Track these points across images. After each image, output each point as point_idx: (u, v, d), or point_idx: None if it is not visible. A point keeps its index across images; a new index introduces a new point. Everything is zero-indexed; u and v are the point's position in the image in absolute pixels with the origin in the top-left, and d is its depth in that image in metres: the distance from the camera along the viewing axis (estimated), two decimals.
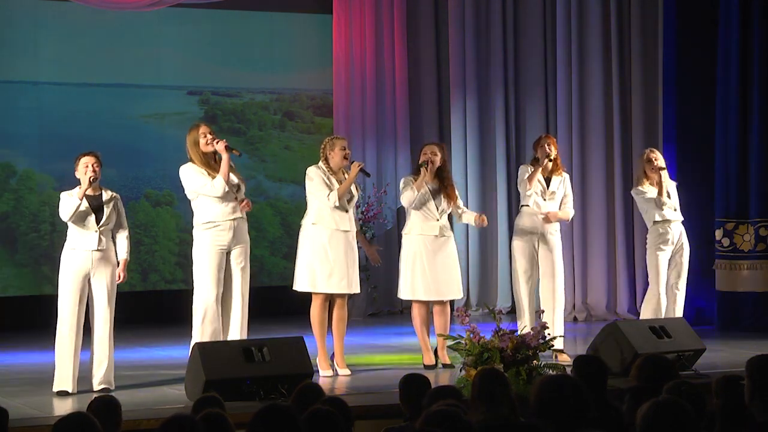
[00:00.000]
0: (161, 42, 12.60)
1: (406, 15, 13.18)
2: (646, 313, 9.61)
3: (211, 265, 8.28)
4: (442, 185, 9.00)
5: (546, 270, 9.26)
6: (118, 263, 8.05)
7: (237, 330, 8.32)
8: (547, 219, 9.25)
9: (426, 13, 13.34)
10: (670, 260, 9.59)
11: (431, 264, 8.89)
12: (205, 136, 8.34)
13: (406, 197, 8.93)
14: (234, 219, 8.37)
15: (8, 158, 12.02)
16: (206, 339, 8.16)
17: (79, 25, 12.19)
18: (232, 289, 8.36)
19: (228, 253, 8.36)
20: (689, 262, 9.72)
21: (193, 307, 8.31)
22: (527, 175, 9.25)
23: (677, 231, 9.59)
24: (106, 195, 8.01)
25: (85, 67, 12.29)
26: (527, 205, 9.30)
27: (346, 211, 8.67)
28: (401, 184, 9.07)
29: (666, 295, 9.56)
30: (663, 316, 9.38)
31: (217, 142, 8.31)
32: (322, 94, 13.27)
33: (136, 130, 12.50)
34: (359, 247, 9.09)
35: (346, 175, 8.72)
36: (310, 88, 13.28)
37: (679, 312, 9.52)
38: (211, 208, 8.31)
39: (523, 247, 9.27)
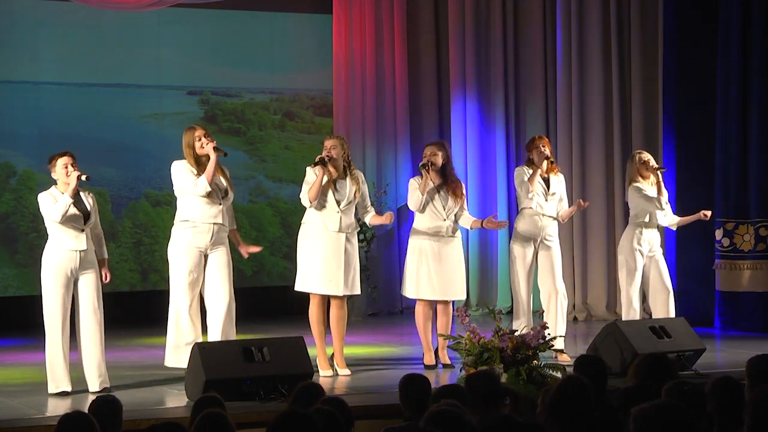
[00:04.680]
0: (161, 42, 12.60)
1: (406, 15, 13.18)
2: (637, 315, 9.52)
3: (188, 266, 8.26)
4: (447, 184, 8.98)
5: (547, 270, 9.26)
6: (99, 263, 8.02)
7: (219, 332, 8.27)
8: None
9: (426, 13, 13.34)
10: (644, 265, 9.51)
11: (438, 264, 8.87)
12: (200, 140, 8.33)
13: (413, 201, 8.87)
14: (214, 223, 8.33)
15: (8, 158, 12.02)
16: (180, 340, 8.18)
17: (79, 25, 12.19)
18: (214, 292, 8.32)
19: (206, 257, 8.35)
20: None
21: (170, 309, 8.31)
22: (527, 177, 9.23)
23: (656, 236, 9.55)
24: (85, 194, 7.97)
25: (85, 67, 12.29)
26: (530, 208, 9.27)
27: (336, 212, 8.61)
28: (410, 187, 8.99)
29: (653, 302, 9.51)
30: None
31: (207, 144, 8.31)
32: (322, 94, 13.28)
33: (136, 130, 12.50)
34: (361, 246, 9.04)
35: (349, 174, 8.71)
36: (310, 88, 13.28)
37: (672, 313, 9.47)
38: (193, 208, 8.31)
39: (524, 249, 9.23)
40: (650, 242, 9.46)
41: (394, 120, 13.13)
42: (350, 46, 13.01)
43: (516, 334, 7.99)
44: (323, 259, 8.56)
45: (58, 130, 12.02)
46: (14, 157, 12.04)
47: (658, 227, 9.55)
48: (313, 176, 8.59)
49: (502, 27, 13.09)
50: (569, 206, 9.49)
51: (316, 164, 8.55)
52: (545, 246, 9.26)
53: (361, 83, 13.02)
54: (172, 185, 8.51)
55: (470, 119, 13.13)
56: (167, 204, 12.34)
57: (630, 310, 9.39)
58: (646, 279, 9.46)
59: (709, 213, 9.70)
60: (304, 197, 8.54)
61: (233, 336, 8.31)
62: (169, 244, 8.42)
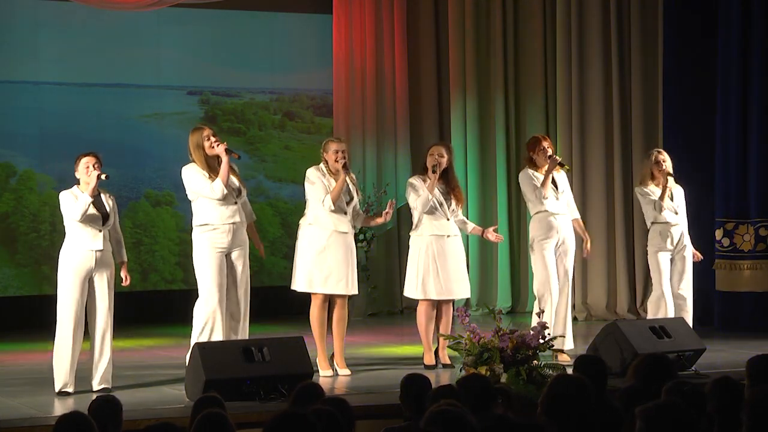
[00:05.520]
0: (161, 42, 12.61)
1: (406, 15, 13.19)
2: (651, 314, 9.55)
3: (212, 269, 8.24)
4: (449, 186, 8.99)
5: (561, 272, 9.24)
6: (116, 266, 8.05)
7: (242, 333, 8.31)
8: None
9: (426, 13, 13.35)
10: (671, 262, 9.55)
11: (443, 263, 8.87)
12: (209, 139, 8.32)
13: (421, 201, 8.86)
14: (233, 222, 8.33)
15: (8, 158, 12.03)
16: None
17: (79, 25, 12.20)
18: (234, 292, 8.33)
19: (227, 256, 8.35)
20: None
21: (195, 310, 8.29)
22: (539, 182, 9.17)
23: (677, 233, 9.54)
24: (106, 196, 8.03)
25: (85, 67, 12.30)
26: (544, 211, 9.21)
27: (345, 213, 8.64)
28: (410, 186, 8.97)
29: (672, 302, 9.51)
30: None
31: (218, 145, 8.31)
32: (322, 94, 13.28)
33: (136, 130, 12.51)
34: (361, 246, 9.06)
35: (347, 176, 8.72)
36: (310, 88, 13.29)
37: (689, 318, 9.46)
38: (209, 210, 8.30)
39: (550, 251, 9.17)
40: (674, 238, 9.47)
41: (394, 120, 13.13)
42: (350, 46, 13.01)
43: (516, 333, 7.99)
44: (334, 260, 8.57)
45: (59, 130, 12.03)
46: (14, 157, 12.05)
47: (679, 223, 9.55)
48: (320, 178, 8.59)
49: (502, 27, 13.09)
50: (572, 198, 9.53)
51: (343, 168, 8.56)
52: (564, 244, 9.23)
53: (361, 83, 13.02)
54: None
55: (470, 119, 13.12)
56: (167, 204, 12.35)
57: (657, 310, 9.37)
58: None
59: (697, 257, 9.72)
60: (327, 201, 8.52)
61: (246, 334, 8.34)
62: (193, 250, 8.40)
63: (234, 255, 8.35)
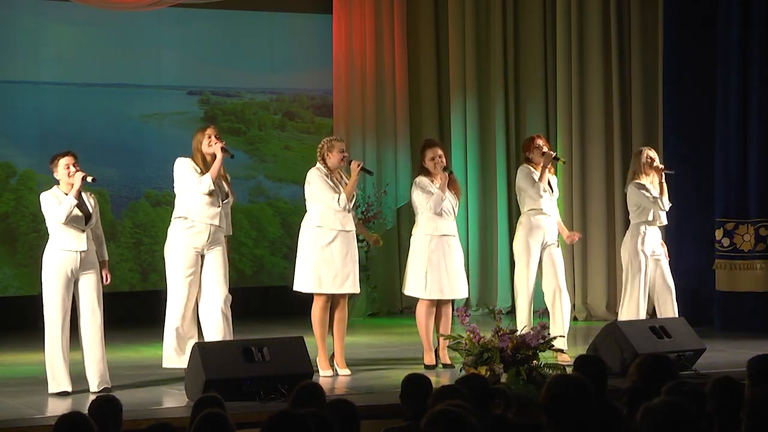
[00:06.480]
0: (161, 42, 12.61)
1: (406, 15, 13.19)
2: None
3: (185, 266, 8.23)
4: (452, 183, 9.02)
5: (551, 270, 9.24)
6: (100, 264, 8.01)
7: (215, 332, 8.25)
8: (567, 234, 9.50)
9: (426, 13, 13.35)
10: (649, 265, 9.50)
11: (449, 263, 8.90)
12: (209, 138, 8.32)
13: (434, 200, 8.84)
14: (211, 224, 8.29)
15: (8, 158, 12.02)
16: (178, 341, 8.18)
17: (79, 25, 12.20)
18: (211, 292, 8.28)
19: (203, 257, 8.32)
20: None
21: (167, 307, 8.29)
22: (537, 177, 9.18)
23: (658, 235, 9.53)
24: (87, 195, 7.97)
25: (85, 67, 12.30)
26: (537, 209, 9.21)
27: (349, 212, 8.66)
28: (418, 187, 8.93)
29: (658, 303, 9.51)
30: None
31: (216, 143, 8.30)
32: (322, 94, 13.28)
33: (136, 130, 12.51)
34: (361, 246, 9.08)
35: (343, 174, 8.73)
36: (310, 88, 13.28)
37: (676, 313, 9.47)
38: (192, 206, 8.28)
39: (530, 248, 9.21)
40: (653, 242, 9.44)
41: (394, 120, 13.13)
42: (350, 46, 13.01)
43: (516, 333, 8.00)
44: (341, 260, 8.58)
45: (59, 130, 12.02)
46: (14, 157, 12.04)
47: (659, 226, 9.53)
48: (324, 178, 8.58)
49: (502, 27, 13.09)
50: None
51: (363, 171, 8.64)
52: (551, 246, 9.25)
53: (361, 83, 13.02)
54: (172, 185, 8.48)
55: (470, 119, 13.12)
56: (167, 204, 12.32)
57: (636, 312, 9.35)
58: (650, 280, 9.43)
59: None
60: (342, 199, 8.53)
61: (230, 335, 8.30)
62: (166, 243, 8.40)
63: (210, 255, 8.32)
